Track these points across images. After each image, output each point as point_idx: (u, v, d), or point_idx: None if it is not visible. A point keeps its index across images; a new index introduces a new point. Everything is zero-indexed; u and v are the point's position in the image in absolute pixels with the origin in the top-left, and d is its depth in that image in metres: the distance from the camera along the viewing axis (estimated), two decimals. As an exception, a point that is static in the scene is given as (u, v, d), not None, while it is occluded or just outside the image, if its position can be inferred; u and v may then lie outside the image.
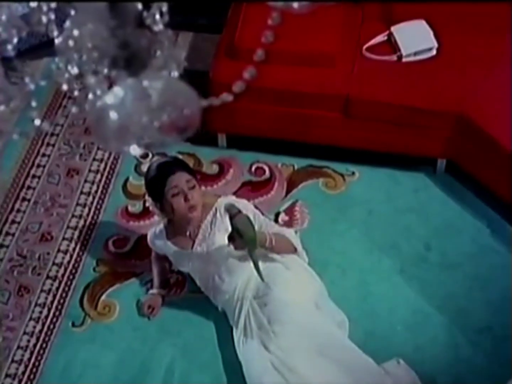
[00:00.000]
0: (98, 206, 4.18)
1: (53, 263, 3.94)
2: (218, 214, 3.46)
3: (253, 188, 4.22)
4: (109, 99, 1.24)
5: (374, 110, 4.07)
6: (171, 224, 3.56)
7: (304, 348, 3.29)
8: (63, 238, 4.04)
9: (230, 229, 3.30)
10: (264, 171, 4.33)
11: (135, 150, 1.25)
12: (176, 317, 3.75)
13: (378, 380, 3.33)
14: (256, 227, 3.36)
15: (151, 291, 3.73)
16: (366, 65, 4.19)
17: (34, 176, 4.33)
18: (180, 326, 3.72)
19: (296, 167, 4.35)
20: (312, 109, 4.15)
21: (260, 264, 3.37)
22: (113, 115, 1.21)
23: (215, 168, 4.35)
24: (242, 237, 3.24)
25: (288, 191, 4.22)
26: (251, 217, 3.35)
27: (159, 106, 1.19)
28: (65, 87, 1.42)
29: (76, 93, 1.41)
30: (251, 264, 3.36)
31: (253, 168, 4.35)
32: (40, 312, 3.76)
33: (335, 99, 4.09)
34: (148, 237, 3.70)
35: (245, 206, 3.47)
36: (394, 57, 4.21)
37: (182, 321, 3.73)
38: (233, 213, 3.27)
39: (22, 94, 1.62)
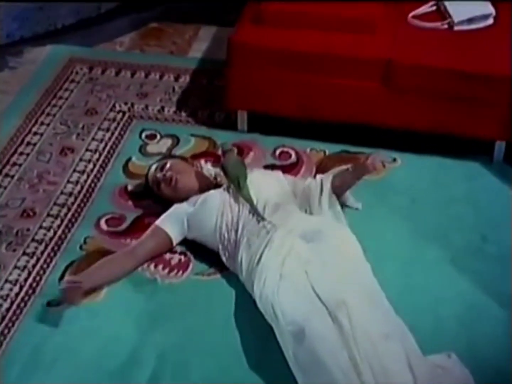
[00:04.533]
0: (93, 185, 3.57)
1: (33, 240, 3.29)
2: None
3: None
4: None
5: (419, 78, 3.48)
6: None
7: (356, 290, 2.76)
8: (48, 215, 3.41)
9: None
10: (290, 156, 3.73)
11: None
12: (175, 301, 3.04)
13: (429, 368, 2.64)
14: (289, 188, 3.28)
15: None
16: (411, 32, 3.64)
17: (21, 154, 3.76)
18: (179, 311, 3.01)
19: (327, 152, 3.72)
20: (347, 79, 3.57)
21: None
22: None
23: (232, 152, 3.75)
24: (227, 174, 3.21)
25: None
26: (277, 179, 3.30)
27: None
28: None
29: None
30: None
31: (277, 152, 3.74)
32: (10, 290, 3.06)
33: (374, 64, 3.51)
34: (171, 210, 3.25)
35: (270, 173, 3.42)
36: (445, 25, 3.63)
37: (183, 305, 3.03)
38: (225, 151, 3.29)
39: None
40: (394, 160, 3.67)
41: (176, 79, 4.29)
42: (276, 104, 3.70)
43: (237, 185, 3.15)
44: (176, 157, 3.52)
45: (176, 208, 3.23)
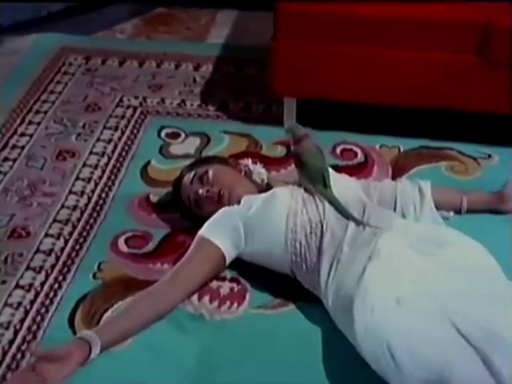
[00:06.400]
0: (103, 195, 2.74)
1: (28, 268, 2.43)
2: None
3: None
4: None
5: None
6: None
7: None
8: (46, 235, 2.57)
9: None
10: (356, 154, 2.93)
11: None
12: (231, 343, 2.20)
13: None
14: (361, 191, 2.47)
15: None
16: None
17: (6, 159, 2.94)
18: (237, 355, 2.17)
19: (401, 149, 2.93)
20: (429, 51, 2.78)
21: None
22: None
23: (280, 150, 2.97)
24: (305, 166, 2.42)
25: (394, 178, 2.76)
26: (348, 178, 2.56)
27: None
28: None
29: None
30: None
31: (337, 150, 2.95)
32: (1, 335, 2.20)
33: (466, 30, 2.71)
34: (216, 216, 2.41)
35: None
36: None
37: (241, 348, 2.19)
38: (298, 137, 2.44)
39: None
40: (489, 156, 2.91)
41: (196, 68, 3.52)
42: (335, 89, 2.90)
43: (321, 183, 2.37)
44: (213, 160, 2.64)
45: (225, 212, 2.38)
